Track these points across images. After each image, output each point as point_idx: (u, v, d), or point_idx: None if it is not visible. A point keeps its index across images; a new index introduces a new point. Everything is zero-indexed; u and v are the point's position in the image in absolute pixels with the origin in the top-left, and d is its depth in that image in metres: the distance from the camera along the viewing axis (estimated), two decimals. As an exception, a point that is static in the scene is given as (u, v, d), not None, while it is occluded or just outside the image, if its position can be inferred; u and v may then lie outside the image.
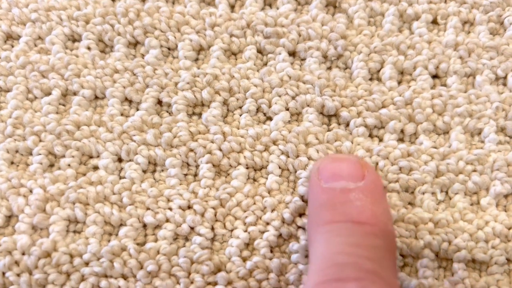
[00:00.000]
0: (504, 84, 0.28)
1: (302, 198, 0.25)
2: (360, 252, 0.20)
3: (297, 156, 0.26)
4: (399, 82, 0.28)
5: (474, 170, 0.26)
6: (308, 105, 0.27)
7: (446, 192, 0.26)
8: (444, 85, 0.28)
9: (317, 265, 0.21)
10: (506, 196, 0.26)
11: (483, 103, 0.27)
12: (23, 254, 0.24)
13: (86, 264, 0.24)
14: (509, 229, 0.25)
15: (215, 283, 0.24)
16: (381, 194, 0.23)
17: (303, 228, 0.25)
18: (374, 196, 0.22)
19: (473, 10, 0.29)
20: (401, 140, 0.27)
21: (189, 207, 0.25)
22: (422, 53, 0.28)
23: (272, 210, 0.25)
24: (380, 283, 0.19)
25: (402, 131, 0.27)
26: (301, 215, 0.25)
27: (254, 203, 0.25)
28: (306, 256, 0.25)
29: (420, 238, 0.25)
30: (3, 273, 0.24)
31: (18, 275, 0.24)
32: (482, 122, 0.27)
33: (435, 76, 0.28)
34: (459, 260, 0.25)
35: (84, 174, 0.26)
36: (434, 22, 0.29)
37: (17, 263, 0.24)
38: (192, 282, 0.24)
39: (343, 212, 0.21)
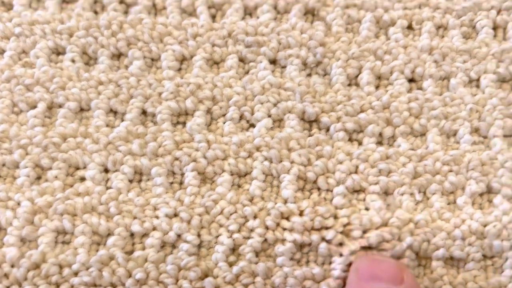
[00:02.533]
0: (477, 86, 0.29)
1: (285, 202, 0.26)
2: None
3: (280, 161, 0.27)
4: (377, 87, 0.29)
5: (450, 171, 0.27)
6: (289, 112, 0.28)
7: (424, 193, 0.27)
8: (420, 88, 0.29)
9: None
10: (481, 194, 0.27)
11: (457, 105, 0.28)
12: (12, 266, 0.25)
13: (75, 274, 0.25)
14: (484, 226, 0.26)
15: (203, 289, 0.25)
16: None
17: (289, 230, 0.26)
18: None
19: (446, 15, 0.30)
20: (379, 143, 0.28)
21: (176, 215, 0.26)
22: (398, 58, 0.29)
23: (254, 218, 0.26)
24: None
25: (380, 134, 0.28)
26: (287, 218, 0.26)
27: (236, 211, 0.26)
28: (291, 259, 0.26)
29: (402, 240, 0.26)
30: (-7, 286, 0.25)
31: (8, 287, 0.24)
32: (457, 124, 0.28)
33: (411, 80, 0.29)
34: (437, 258, 0.26)
35: (71, 186, 0.26)
36: (409, 27, 0.30)
37: (6, 275, 0.25)
38: (180, 288, 0.25)
39: None
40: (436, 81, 0.29)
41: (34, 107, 0.27)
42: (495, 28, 0.30)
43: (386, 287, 0.23)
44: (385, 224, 0.26)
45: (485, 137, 0.28)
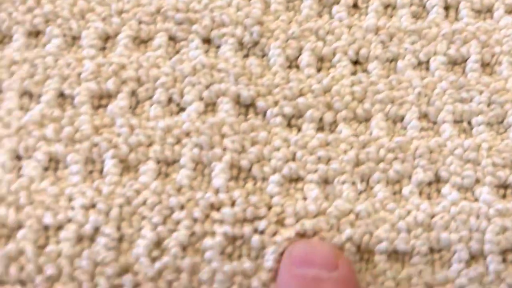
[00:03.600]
0: (427, 69, 0.27)
1: (216, 192, 0.24)
2: None
3: (212, 148, 0.25)
4: (319, 70, 0.27)
5: (396, 158, 0.25)
6: (223, 95, 0.26)
7: (367, 182, 0.25)
8: (365, 71, 0.27)
9: None
10: (429, 183, 0.25)
11: (405, 89, 0.26)
12: None
13: (-21, 271, 0.22)
14: (431, 217, 0.24)
15: (121, 286, 0.23)
16: (355, 284, 0.22)
17: (219, 222, 0.24)
18: (348, 286, 0.22)
19: (395, -7, 0.28)
20: (321, 129, 0.26)
21: (93, 206, 0.24)
22: (341, 39, 0.27)
23: (181, 209, 0.24)
24: None
25: (321, 119, 0.26)
26: (217, 209, 0.24)
27: (160, 202, 0.24)
28: (222, 253, 0.23)
29: (342, 232, 0.24)
30: None
31: None
32: (404, 109, 0.26)
33: (356, 63, 0.27)
34: (380, 252, 0.24)
35: (-22, 174, 0.24)
36: (355, 6, 0.28)
37: None
38: (96, 286, 0.23)
39: None
40: (383, 63, 0.27)
41: None
42: (446, 7, 0.28)
43: (318, 273, 0.21)
44: (322, 213, 0.24)
45: (434, 123, 0.26)
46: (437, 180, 0.25)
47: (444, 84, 0.27)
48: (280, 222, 0.24)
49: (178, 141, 0.25)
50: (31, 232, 0.23)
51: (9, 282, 0.22)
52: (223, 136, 0.25)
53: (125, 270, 0.23)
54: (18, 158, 0.24)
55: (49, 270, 0.22)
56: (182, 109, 0.26)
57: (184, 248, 0.24)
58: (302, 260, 0.22)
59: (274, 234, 0.24)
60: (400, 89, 0.26)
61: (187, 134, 0.25)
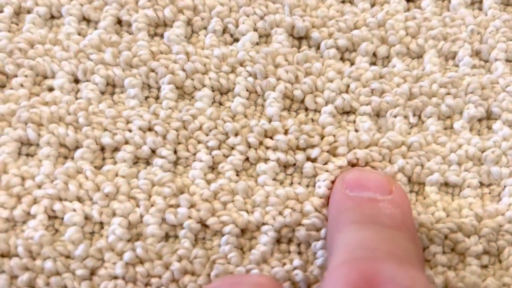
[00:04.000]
0: (480, 9, 0.27)
1: (270, 120, 0.24)
2: (393, 246, 0.19)
3: (266, 77, 0.25)
4: (372, 5, 0.27)
5: (448, 93, 0.25)
6: (277, 26, 0.26)
7: (419, 116, 0.25)
8: (419, 7, 0.27)
9: (342, 249, 0.19)
10: (480, 120, 0.25)
11: (458, 26, 0.26)
12: (-30, 176, 0.23)
13: (39, 186, 0.23)
14: (482, 152, 0.24)
15: (178, 205, 0.23)
16: (410, 210, 0.22)
17: (273, 149, 0.24)
18: (403, 210, 0.21)
19: None
20: (373, 63, 0.26)
21: (150, 129, 0.24)
22: (396, -25, 0.27)
23: (236, 135, 0.24)
24: (416, 270, 0.18)
25: (374, 54, 0.26)
26: (270, 137, 0.24)
27: (216, 127, 0.24)
28: (274, 179, 0.24)
29: (393, 163, 0.24)
30: (-51, 196, 0.22)
31: (-35, 198, 0.22)
32: (456, 45, 0.26)
33: (409, 0, 0.27)
34: (431, 183, 0.24)
35: (38, 95, 0.24)
36: None
37: (-37, 185, 0.23)
38: (152, 205, 0.23)
39: (372, 216, 0.20)
40: (436, 1, 0.27)
41: (0, 11, 0.25)
42: (500, -51, 0.28)
43: (373, 196, 0.21)
44: (374, 144, 0.24)
45: (486, 61, 0.26)
46: (488, 116, 0.25)
47: (497, 23, 0.26)
48: (332, 151, 0.24)
49: (233, 70, 0.25)
50: (89, 152, 0.23)
51: (68, 198, 0.23)
52: (277, 66, 0.25)
53: (181, 191, 0.23)
54: (76, 81, 0.25)
55: (107, 188, 0.23)
56: (236, 40, 0.26)
57: (237, 173, 0.24)
58: (356, 185, 0.22)
59: (326, 162, 0.24)
60: (453, 26, 0.26)
61: (242, 63, 0.25)
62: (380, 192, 0.21)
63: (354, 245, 0.19)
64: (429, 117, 0.25)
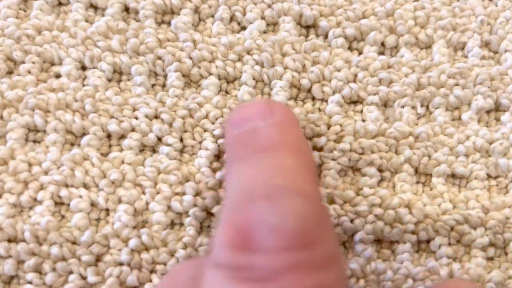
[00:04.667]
0: (490, -1, 0.27)
1: (276, 109, 0.24)
2: (268, 174, 0.18)
3: (273, 66, 0.25)
4: (381, -5, 0.27)
5: (456, 84, 0.25)
6: (285, 14, 0.26)
7: (427, 107, 0.25)
8: (428, -3, 0.27)
9: (229, 199, 0.19)
10: (488, 112, 0.25)
11: (467, 16, 0.26)
12: (-22, 161, 0.23)
13: (46, 173, 0.23)
14: (490, 143, 0.24)
15: (183, 193, 0.23)
16: (294, 124, 0.20)
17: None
18: (285, 126, 0.20)
19: None
20: (381, 53, 0.26)
21: (156, 117, 0.24)
22: (405, -36, 0.26)
23: None
24: (291, 194, 0.17)
25: (382, 44, 0.26)
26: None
27: (222, 116, 0.24)
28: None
29: (400, 153, 0.24)
30: (-44, 181, 0.23)
31: (-27, 183, 0.23)
32: (466, 36, 0.26)
33: (419, -11, 0.27)
34: (438, 174, 0.24)
35: (45, 81, 0.24)
36: None
37: (-29, 170, 0.23)
38: (158, 192, 0.23)
39: (252, 145, 0.19)
40: (446, -9, 0.27)
41: (8, -3, 0.25)
42: None
43: (253, 124, 0.19)
44: (381, 134, 0.24)
45: (495, 52, 0.26)
46: (497, 108, 0.25)
47: (508, 14, 0.26)
48: (338, 141, 0.24)
49: (240, 58, 0.25)
50: (95, 139, 0.24)
51: (74, 185, 0.23)
52: (284, 54, 0.25)
53: (186, 179, 0.23)
54: (83, 68, 0.25)
55: (113, 175, 0.23)
56: (243, 28, 0.26)
57: (243, 162, 0.24)
58: (239, 120, 0.20)
59: (332, 151, 0.24)
60: (462, 16, 0.26)
61: (249, 51, 0.25)
62: (261, 118, 0.20)
63: (237, 190, 0.18)
64: (437, 108, 0.25)
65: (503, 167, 0.24)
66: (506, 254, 0.24)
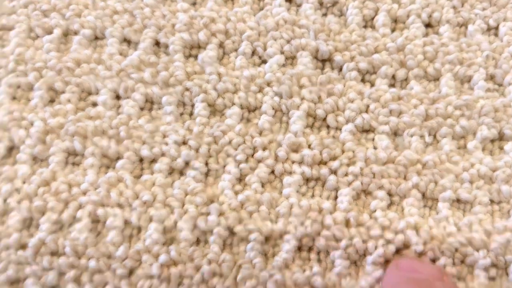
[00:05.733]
0: (496, 35, 0.29)
1: (295, 134, 0.26)
2: None
3: (291, 97, 0.27)
4: (393, 30, 0.28)
5: (462, 115, 0.27)
6: (302, 49, 0.28)
7: (434, 136, 0.27)
8: (437, 33, 0.28)
9: None
10: (492, 141, 0.27)
11: (473, 51, 0.28)
12: (24, 182, 0.25)
13: (84, 193, 0.25)
14: (493, 171, 0.26)
15: (208, 213, 0.25)
16: None
17: (298, 163, 0.26)
18: None
19: (468, -38, 0.29)
20: (392, 85, 0.28)
21: (184, 143, 0.26)
22: (415, 2, 0.28)
23: (264, 149, 0.26)
24: None
25: (393, 76, 0.28)
26: (295, 151, 0.26)
27: (244, 142, 0.26)
28: (297, 191, 0.26)
29: (408, 179, 0.26)
30: (4, 200, 0.25)
31: (19, 202, 0.25)
32: (472, 70, 0.28)
33: (428, 26, 0.29)
34: (444, 199, 0.26)
35: (83, 110, 0.27)
36: (429, -28, 0.30)
37: (17, 191, 0.25)
38: (185, 212, 0.25)
39: None
40: (454, 27, 0.28)
41: (50, 32, 0.28)
42: (516, -24, 0.30)
43: (428, 278, 0.22)
44: (391, 161, 0.26)
45: (500, 85, 0.28)
46: (501, 137, 0.27)
47: (512, 49, 0.28)
48: (351, 164, 0.26)
49: (260, 89, 0.27)
50: (129, 162, 0.26)
51: (109, 204, 0.25)
52: (301, 86, 0.27)
53: (211, 200, 0.25)
54: (118, 97, 0.27)
55: (145, 196, 0.25)
56: (264, 62, 0.28)
57: (262, 185, 0.26)
58: (411, 269, 0.23)
59: (345, 175, 0.26)
60: (469, 51, 0.28)
61: (269, 83, 0.27)
62: (432, 278, 0.23)
63: None
64: (444, 137, 0.27)
65: (506, 194, 0.26)
66: (507, 274, 0.25)
